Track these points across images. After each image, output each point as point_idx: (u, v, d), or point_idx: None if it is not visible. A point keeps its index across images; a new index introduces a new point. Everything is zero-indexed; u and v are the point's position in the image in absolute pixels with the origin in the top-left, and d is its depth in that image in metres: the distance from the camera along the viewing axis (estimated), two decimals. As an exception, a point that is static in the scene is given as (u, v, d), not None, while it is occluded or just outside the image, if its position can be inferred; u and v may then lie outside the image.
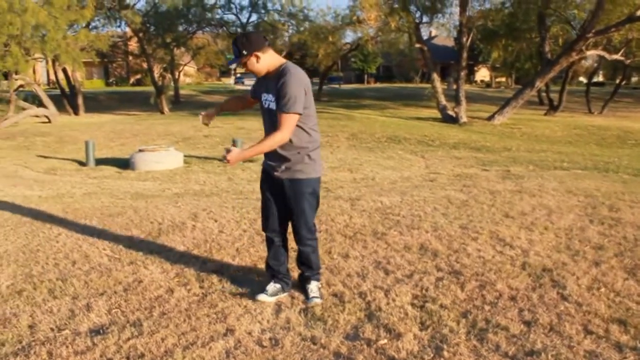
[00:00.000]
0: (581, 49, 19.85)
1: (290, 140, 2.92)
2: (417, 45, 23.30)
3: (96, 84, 49.08)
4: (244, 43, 2.86)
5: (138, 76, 48.27)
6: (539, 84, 22.15)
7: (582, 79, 50.14)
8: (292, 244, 3.33)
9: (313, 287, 3.20)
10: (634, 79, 54.26)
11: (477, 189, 6.33)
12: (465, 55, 22.40)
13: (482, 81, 56.71)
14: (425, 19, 24.03)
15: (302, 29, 31.59)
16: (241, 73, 50.31)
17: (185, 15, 29.97)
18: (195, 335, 2.75)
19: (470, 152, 12.45)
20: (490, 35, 26.52)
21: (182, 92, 37.18)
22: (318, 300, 3.12)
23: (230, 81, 57.71)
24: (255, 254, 4.01)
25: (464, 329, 2.76)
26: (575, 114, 27.29)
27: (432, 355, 2.52)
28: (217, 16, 32.61)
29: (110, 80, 53.23)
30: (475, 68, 55.03)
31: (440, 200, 5.68)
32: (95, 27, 28.67)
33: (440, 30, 31.73)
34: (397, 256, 3.90)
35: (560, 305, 3.02)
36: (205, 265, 3.83)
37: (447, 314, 2.93)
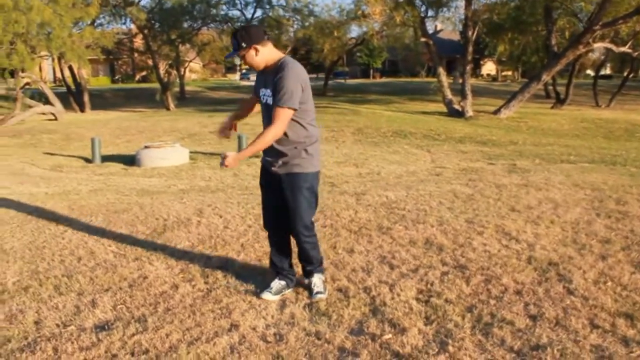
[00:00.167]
0: (588, 41, 19.68)
1: (287, 135, 2.90)
2: (423, 40, 23.18)
3: (102, 81, 49.20)
4: (243, 36, 2.86)
5: (144, 73, 48.47)
6: (546, 77, 22.01)
7: (589, 71, 49.83)
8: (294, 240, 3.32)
9: (317, 281, 3.18)
10: (642, 72, 53.79)
11: (483, 182, 6.31)
12: (470, 49, 22.28)
13: (488, 75, 56.48)
14: (430, 12, 23.98)
15: (307, 24, 31.52)
16: (247, 69, 50.32)
17: (190, 11, 29.98)
18: (200, 331, 2.76)
19: (476, 146, 12.40)
20: (496, 29, 26.33)
21: (187, 88, 37.25)
22: (322, 296, 3.11)
23: (235, 77, 57.78)
24: (260, 250, 4.01)
25: (469, 324, 2.74)
26: (583, 107, 27.10)
27: (437, 350, 2.51)
28: (222, 12, 32.68)
29: (116, 77, 53.42)
30: (481, 62, 54.78)
31: (446, 194, 5.66)
32: (101, 25, 28.83)
33: (446, 24, 31.52)
34: (402, 251, 3.89)
35: (566, 299, 3.00)
36: (210, 261, 3.83)
37: (452, 308, 2.92)
